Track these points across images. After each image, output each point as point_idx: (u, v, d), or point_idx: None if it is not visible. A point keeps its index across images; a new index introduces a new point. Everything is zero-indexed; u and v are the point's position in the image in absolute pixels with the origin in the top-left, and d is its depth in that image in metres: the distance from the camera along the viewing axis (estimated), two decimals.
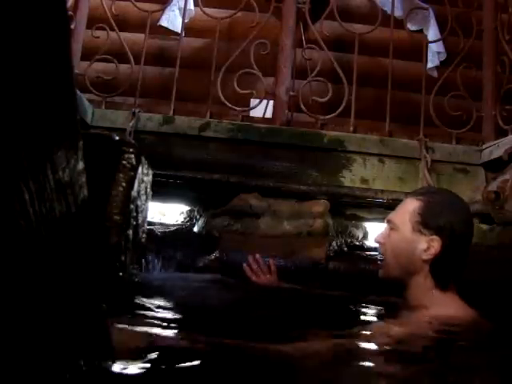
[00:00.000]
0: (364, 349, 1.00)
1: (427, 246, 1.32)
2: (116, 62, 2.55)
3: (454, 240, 1.32)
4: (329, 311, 1.42)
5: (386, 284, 1.47)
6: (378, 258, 2.10)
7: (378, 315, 1.40)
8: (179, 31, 2.76)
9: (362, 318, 1.40)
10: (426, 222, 1.33)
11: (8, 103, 0.42)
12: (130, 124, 2.33)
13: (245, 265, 1.79)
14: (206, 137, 2.39)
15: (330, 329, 1.10)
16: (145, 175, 1.36)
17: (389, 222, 1.43)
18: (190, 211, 2.44)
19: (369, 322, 1.33)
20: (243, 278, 1.78)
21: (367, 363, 0.90)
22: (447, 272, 1.33)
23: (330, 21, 2.65)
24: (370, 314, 1.42)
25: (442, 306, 1.29)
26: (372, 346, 1.03)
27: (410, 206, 1.38)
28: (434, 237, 1.31)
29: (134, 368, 0.68)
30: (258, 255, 1.81)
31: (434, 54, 3.04)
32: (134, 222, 1.31)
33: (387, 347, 1.04)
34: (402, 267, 1.36)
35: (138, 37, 2.67)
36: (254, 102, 2.55)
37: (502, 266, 1.55)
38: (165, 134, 2.40)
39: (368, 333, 1.13)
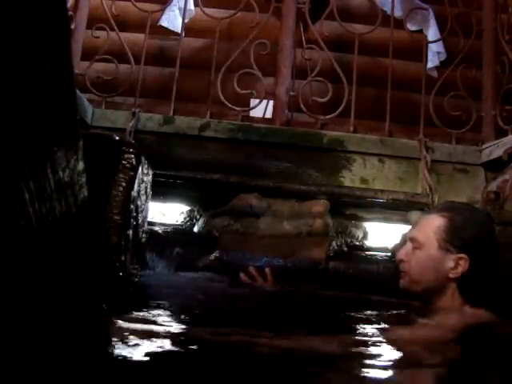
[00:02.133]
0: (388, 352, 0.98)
1: (454, 264, 1.29)
2: (116, 62, 2.55)
3: (481, 257, 1.30)
4: (338, 313, 1.40)
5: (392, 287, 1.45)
6: (379, 258, 2.10)
7: (399, 318, 1.37)
8: (179, 31, 2.76)
9: (382, 321, 1.37)
10: (452, 240, 1.30)
11: (8, 103, 0.42)
12: (130, 124, 2.33)
13: (241, 275, 1.77)
14: (206, 137, 2.39)
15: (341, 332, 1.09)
16: (145, 175, 1.36)
17: (412, 240, 1.38)
18: (190, 211, 2.44)
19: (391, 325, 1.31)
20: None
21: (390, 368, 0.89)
22: (476, 289, 1.32)
23: (329, 21, 2.65)
24: (389, 317, 1.39)
25: (470, 317, 1.27)
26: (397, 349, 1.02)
27: (434, 223, 1.34)
28: (462, 255, 1.29)
29: (133, 366, 0.69)
30: (251, 267, 1.77)
31: (434, 54, 3.04)
32: (134, 222, 1.31)
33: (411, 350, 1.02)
34: (427, 285, 1.33)
35: (138, 37, 2.67)
36: (253, 102, 2.55)
37: (503, 266, 1.54)
38: (165, 134, 2.40)
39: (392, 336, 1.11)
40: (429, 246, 1.33)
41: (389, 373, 0.84)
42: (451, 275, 1.30)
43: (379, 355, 0.92)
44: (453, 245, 1.30)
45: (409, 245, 1.39)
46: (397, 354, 0.99)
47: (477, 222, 1.34)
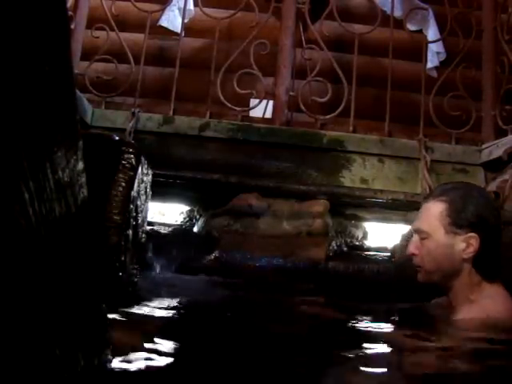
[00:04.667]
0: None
1: (466, 244, 1.29)
2: (116, 62, 2.55)
3: (489, 230, 1.30)
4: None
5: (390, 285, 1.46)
6: (378, 258, 2.10)
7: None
8: (179, 31, 2.76)
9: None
10: (457, 222, 1.30)
11: (8, 103, 0.42)
12: (130, 124, 2.33)
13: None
14: (205, 137, 2.39)
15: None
16: (145, 175, 1.36)
17: (417, 231, 1.38)
18: (190, 211, 2.44)
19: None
20: (242, 278, 1.78)
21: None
22: (492, 263, 1.32)
23: (329, 21, 2.65)
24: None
25: (490, 299, 1.27)
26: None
27: (436, 210, 1.33)
28: (470, 234, 1.29)
29: (132, 365, 0.69)
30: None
31: (434, 54, 3.04)
32: (134, 222, 1.31)
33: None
34: (443, 272, 1.33)
35: (138, 37, 2.67)
36: (253, 102, 2.55)
37: (503, 266, 1.54)
38: (165, 134, 2.40)
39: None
40: (436, 233, 1.33)
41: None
42: (465, 256, 1.30)
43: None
44: (459, 226, 1.30)
45: (416, 237, 1.38)
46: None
47: (475, 197, 1.34)
